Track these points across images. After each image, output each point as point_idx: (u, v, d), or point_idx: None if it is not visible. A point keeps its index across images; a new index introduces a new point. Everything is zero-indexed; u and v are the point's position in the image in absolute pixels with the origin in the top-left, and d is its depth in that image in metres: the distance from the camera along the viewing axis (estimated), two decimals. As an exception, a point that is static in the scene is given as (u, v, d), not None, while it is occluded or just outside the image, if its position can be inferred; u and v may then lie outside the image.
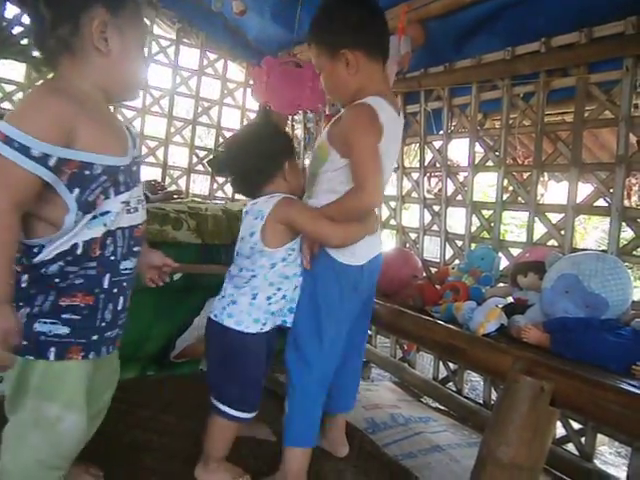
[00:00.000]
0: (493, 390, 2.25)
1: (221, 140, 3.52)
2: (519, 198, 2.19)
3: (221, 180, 3.55)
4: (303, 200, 1.50)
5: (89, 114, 0.96)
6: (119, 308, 1.10)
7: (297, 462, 1.46)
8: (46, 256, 0.96)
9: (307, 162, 3.61)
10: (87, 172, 0.95)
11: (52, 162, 0.90)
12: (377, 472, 1.66)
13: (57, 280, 0.98)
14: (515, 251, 2.18)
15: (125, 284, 1.10)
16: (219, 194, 3.57)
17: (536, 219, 2.10)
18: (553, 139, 2.05)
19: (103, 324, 1.06)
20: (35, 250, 0.96)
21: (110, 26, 0.98)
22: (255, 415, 1.49)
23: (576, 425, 1.93)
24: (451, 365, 2.49)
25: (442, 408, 2.40)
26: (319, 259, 1.41)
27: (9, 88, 2.88)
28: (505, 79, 2.15)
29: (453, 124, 2.51)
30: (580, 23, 1.85)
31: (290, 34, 2.67)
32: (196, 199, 3.14)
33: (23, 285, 0.97)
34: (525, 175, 2.23)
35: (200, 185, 3.67)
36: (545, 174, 2.60)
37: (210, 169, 3.46)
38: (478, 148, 2.37)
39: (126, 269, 1.08)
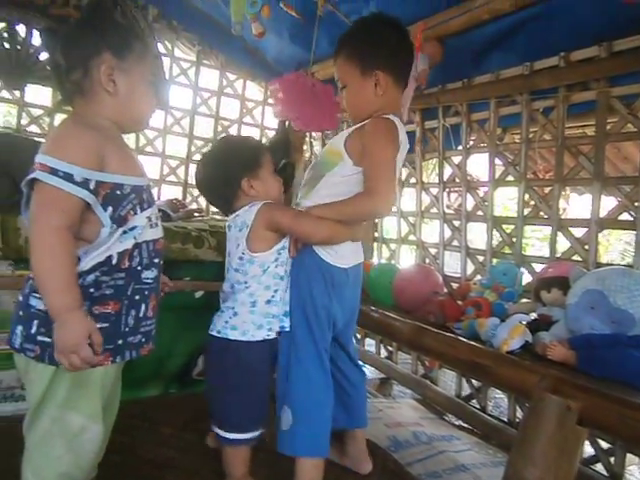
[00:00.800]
0: (518, 408, 2.21)
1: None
2: (541, 212, 2.17)
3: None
4: (298, 201, 1.52)
5: (113, 142, 1.09)
6: (140, 315, 1.16)
7: (309, 474, 1.43)
8: (84, 267, 1.04)
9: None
10: (118, 192, 1.06)
11: (92, 185, 1.01)
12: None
13: (92, 290, 1.06)
14: (538, 266, 2.15)
15: (146, 292, 1.16)
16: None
17: (559, 233, 2.07)
18: (574, 153, 2.03)
19: (127, 329, 1.12)
20: None
21: (117, 69, 1.09)
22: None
23: (605, 445, 1.88)
24: (474, 382, 2.45)
25: (466, 426, 2.36)
26: (306, 258, 1.43)
27: (36, 112, 2.97)
28: (524, 94, 2.15)
29: (472, 139, 2.51)
30: (599, 37, 1.84)
31: (307, 54, 2.72)
32: (216, 217, 3.18)
33: None
34: (547, 189, 2.21)
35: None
36: (567, 188, 2.57)
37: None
38: (498, 162, 2.36)
39: (147, 278, 1.16)
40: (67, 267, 0.98)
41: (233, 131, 3.56)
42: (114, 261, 1.07)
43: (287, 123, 3.30)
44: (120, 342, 1.11)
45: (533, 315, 1.83)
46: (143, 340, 1.17)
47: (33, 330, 1.03)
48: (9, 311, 1.66)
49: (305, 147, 3.61)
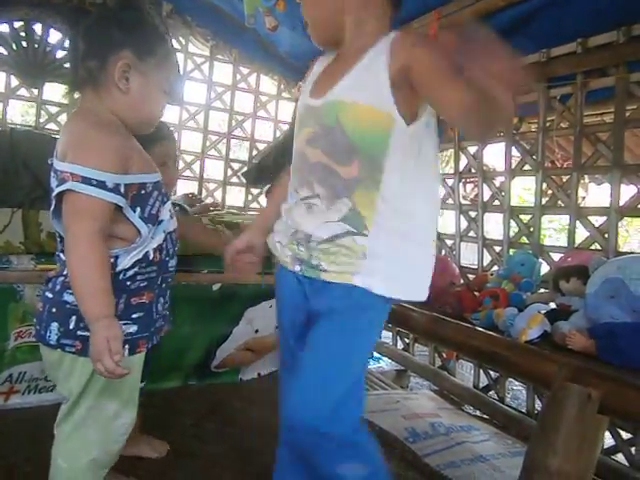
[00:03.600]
0: (537, 399, 2.20)
1: (254, 152, 3.59)
2: (559, 202, 2.14)
3: (255, 192, 3.60)
4: (317, 235, 1.06)
5: (129, 142, 1.10)
6: (165, 300, 1.23)
7: None
8: (125, 265, 1.08)
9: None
10: (143, 191, 1.09)
11: (122, 189, 1.03)
12: (419, 482, 1.64)
13: (129, 283, 1.10)
14: (556, 256, 2.13)
15: (169, 280, 1.23)
16: (254, 205, 3.62)
17: (577, 223, 2.05)
18: (593, 141, 2.00)
19: (157, 316, 1.18)
20: (112, 260, 1.07)
21: (133, 69, 1.08)
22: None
23: (625, 435, 1.86)
24: (492, 373, 2.44)
25: (484, 416, 2.35)
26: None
27: (53, 110, 3.02)
28: (541, 82, 2.12)
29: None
30: (617, 22, 1.81)
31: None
32: (232, 211, 3.20)
33: None
34: (565, 178, 2.18)
35: (235, 197, 3.73)
36: (585, 177, 2.53)
37: (245, 181, 3.52)
38: (514, 152, 2.33)
39: (172, 266, 1.22)
40: (102, 274, 1.00)
41: (247, 125, 3.57)
42: (150, 257, 1.12)
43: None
44: (152, 329, 1.16)
45: (552, 305, 1.82)
46: (163, 323, 1.23)
47: (72, 326, 1.05)
48: (32, 305, 1.71)
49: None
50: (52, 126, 3.00)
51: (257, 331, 2.23)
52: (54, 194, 1.03)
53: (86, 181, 0.98)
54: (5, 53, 2.77)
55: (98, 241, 1.00)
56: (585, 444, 1.23)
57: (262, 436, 1.79)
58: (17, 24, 2.79)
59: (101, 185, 0.99)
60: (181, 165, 3.37)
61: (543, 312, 1.68)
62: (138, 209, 1.08)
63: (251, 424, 1.89)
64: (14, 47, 2.79)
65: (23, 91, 2.93)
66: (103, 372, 0.96)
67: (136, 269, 1.09)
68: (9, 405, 1.80)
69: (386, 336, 3.19)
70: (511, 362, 1.52)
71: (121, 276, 1.08)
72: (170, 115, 3.30)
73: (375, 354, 3.28)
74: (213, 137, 3.47)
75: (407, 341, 2.97)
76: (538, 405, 2.19)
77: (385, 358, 3.20)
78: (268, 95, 3.63)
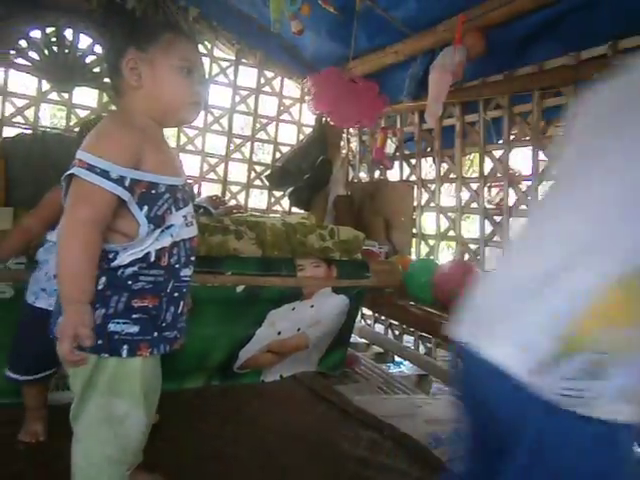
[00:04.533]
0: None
1: (278, 155, 3.61)
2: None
3: (278, 194, 3.63)
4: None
5: (150, 141, 1.09)
6: (178, 312, 1.19)
7: None
8: (122, 261, 1.07)
9: (362, 175, 3.64)
10: (153, 191, 1.08)
11: (127, 183, 1.03)
12: (442, 488, 1.62)
13: (130, 282, 1.08)
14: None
15: (184, 290, 1.19)
16: (276, 208, 3.64)
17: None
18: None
19: (164, 324, 1.15)
20: (111, 256, 1.07)
21: (140, 61, 1.09)
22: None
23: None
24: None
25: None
26: None
27: (82, 113, 3.08)
28: (570, 85, 2.09)
29: (513, 132, 2.46)
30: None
31: (345, 50, 2.72)
32: (255, 213, 3.23)
33: (100, 287, 1.06)
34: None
35: (257, 199, 3.77)
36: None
37: (268, 184, 3.54)
38: (541, 156, 2.30)
39: (185, 276, 1.19)
40: (84, 260, 1.01)
41: (271, 128, 3.60)
42: (152, 258, 1.09)
43: (323, 119, 3.32)
44: (156, 335, 1.13)
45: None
46: (178, 335, 1.20)
47: None
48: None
49: (342, 143, 3.62)
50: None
51: (279, 333, 2.23)
52: (62, 178, 1.05)
53: (90, 168, 0.99)
54: (37, 58, 2.85)
55: (90, 228, 1.00)
56: None
57: (284, 438, 1.80)
58: (48, 30, 2.87)
59: (104, 174, 1.00)
60: (205, 167, 3.42)
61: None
62: (145, 207, 1.07)
63: (273, 426, 1.89)
64: (46, 52, 2.87)
65: (54, 95, 3.00)
66: (60, 355, 0.98)
67: (135, 268, 1.08)
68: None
69: (408, 340, 3.18)
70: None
71: (119, 272, 1.07)
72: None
73: (396, 358, 3.27)
74: (237, 140, 3.51)
75: (429, 345, 2.95)
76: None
77: (407, 362, 3.18)
78: (292, 99, 3.66)
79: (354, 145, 3.68)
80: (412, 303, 2.15)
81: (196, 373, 2.15)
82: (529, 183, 2.36)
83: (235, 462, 1.63)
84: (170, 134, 3.34)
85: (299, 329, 2.27)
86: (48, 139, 2.00)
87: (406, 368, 3.22)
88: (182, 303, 1.20)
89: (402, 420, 2.11)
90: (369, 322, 3.48)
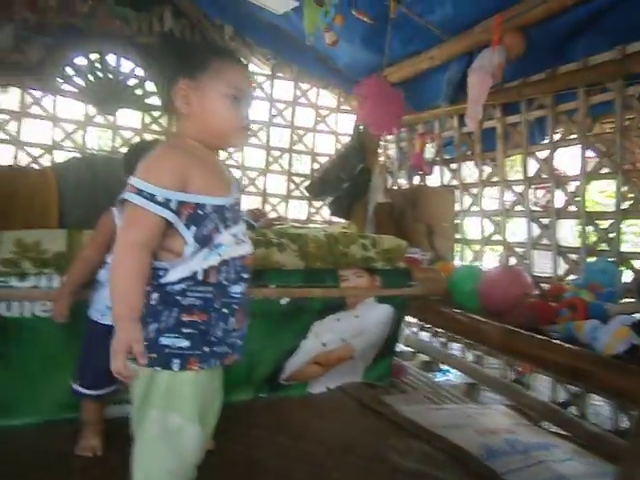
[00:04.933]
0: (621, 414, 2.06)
1: (316, 165, 3.63)
2: (640, 206, 2.01)
3: (318, 204, 3.64)
4: None
5: (199, 163, 1.13)
6: (228, 327, 1.19)
7: None
8: (171, 279, 1.11)
9: (401, 182, 3.61)
10: (200, 212, 1.11)
11: (173, 205, 1.07)
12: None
13: (179, 298, 1.11)
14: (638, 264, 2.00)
15: (234, 306, 1.19)
16: (316, 218, 3.66)
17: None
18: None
19: (214, 339, 1.16)
20: (161, 273, 1.11)
21: (190, 89, 1.13)
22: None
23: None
24: (571, 387, 2.31)
25: (563, 434, 2.22)
26: None
27: (127, 134, 3.19)
28: (617, 80, 2.01)
29: (558, 132, 2.38)
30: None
31: (379, 58, 2.72)
32: (295, 224, 3.25)
33: (152, 303, 1.11)
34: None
35: (297, 210, 3.80)
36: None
37: (308, 194, 3.56)
38: (588, 155, 2.22)
39: (236, 292, 1.19)
40: (134, 280, 1.06)
41: (308, 139, 3.62)
42: (199, 277, 1.12)
43: (361, 128, 3.31)
44: (207, 350, 1.14)
45: (638, 316, 1.70)
46: (229, 351, 1.21)
47: None
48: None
49: (380, 151, 3.60)
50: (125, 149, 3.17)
51: (325, 344, 2.23)
52: (116, 203, 1.11)
53: (139, 192, 1.05)
54: (82, 84, 2.97)
55: (139, 250, 1.05)
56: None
57: (333, 452, 1.79)
58: (92, 56, 2.99)
59: (151, 198, 1.05)
60: (245, 181, 3.47)
61: (629, 324, 1.58)
62: (193, 227, 1.10)
63: (321, 439, 1.88)
64: (90, 78, 2.99)
65: (99, 118, 3.12)
66: (114, 370, 1.03)
67: (183, 285, 1.11)
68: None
69: (454, 348, 3.11)
70: (596, 378, 1.44)
71: (168, 288, 1.10)
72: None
73: (443, 366, 3.20)
74: (275, 153, 3.55)
75: (477, 353, 2.88)
76: (624, 422, 2.05)
77: (454, 371, 3.11)
78: (328, 109, 3.68)
79: (392, 152, 3.66)
80: (458, 311, 2.11)
81: (244, 386, 2.17)
82: (577, 183, 2.28)
83: (283, 474, 1.63)
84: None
85: (344, 340, 2.26)
86: (97, 161, 2.09)
87: (454, 376, 3.15)
88: (232, 319, 1.20)
89: (452, 431, 2.06)
90: (414, 330, 3.43)
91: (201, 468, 1.35)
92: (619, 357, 1.47)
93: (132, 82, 3.08)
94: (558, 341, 1.64)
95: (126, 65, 3.08)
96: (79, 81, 2.98)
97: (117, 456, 1.24)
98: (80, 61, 2.99)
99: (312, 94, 3.60)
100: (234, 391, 2.15)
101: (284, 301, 2.12)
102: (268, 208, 3.52)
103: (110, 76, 3.03)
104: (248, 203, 3.60)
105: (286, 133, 3.63)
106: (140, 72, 3.07)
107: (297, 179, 3.64)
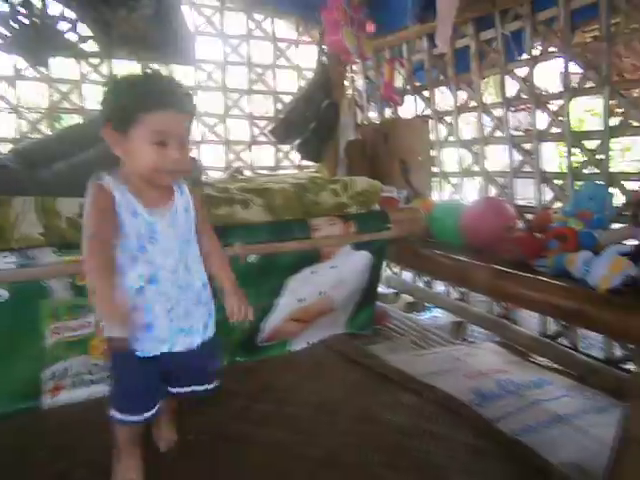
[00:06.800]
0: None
1: (280, 106, 3.36)
2: (630, 121, 1.84)
3: (285, 148, 3.41)
4: None
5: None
6: None
7: None
8: None
9: (371, 115, 3.38)
10: None
11: None
12: (495, 453, 1.49)
13: None
14: (631, 185, 1.85)
15: None
16: (285, 164, 3.44)
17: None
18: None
19: None
20: None
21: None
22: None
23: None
24: (562, 319, 2.23)
25: (557, 367, 2.15)
26: None
27: (64, 87, 2.88)
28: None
29: (538, 45, 2.16)
30: None
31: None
32: (262, 172, 3.04)
33: None
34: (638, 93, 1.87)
35: (264, 156, 3.55)
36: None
37: (273, 138, 3.31)
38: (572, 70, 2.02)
39: None
40: None
41: (269, 78, 3.34)
42: None
43: (324, 60, 3.03)
44: None
45: (632, 242, 1.57)
46: None
47: None
48: (63, 300, 1.63)
49: (347, 84, 3.34)
50: (67, 104, 2.86)
51: (302, 300, 2.09)
52: None
53: None
54: (5, 33, 2.62)
55: None
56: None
57: (319, 415, 1.68)
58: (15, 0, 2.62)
59: None
60: (204, 129, 3.21)
61: (624, 253, 1.45)
62: None
63: (306, 401, 1.77)
64: (14, 25, 2.63)
65: (30, 71, 2.79)
66: None
67: None
68: (59, 401, 1.75)
69: (439, 286, 3.00)
70: (593, 318, 1.31)
71: None
72: (186, 77, 3.11)
73: (427, 304, 3.12)
74: (234, 95, 3.26)
75: (462, 290, 2.77)
76: (617, 351, 1.97)
77: (440, 309, 3.02)
78: (287, 41, 3.36)
79: (360, 83, 3.39)
80: (438, 252, 1.96)
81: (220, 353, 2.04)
82: (560, 102, 2.08)
83: (270, 446, 1.51)
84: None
85: (322, 292, 2.13)
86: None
87: (440, 315, 3.07)
88: None
89: (442, 378, 1.97)
90: (397, 270, 3.31)
91: (180, 445, 1.30)
92: (616, 291, 1.34)
93: (63, 26, 2.73)
94: (547, 278, 1.50)
95: (54, 7, 2.72)
96: (1, 30, 2.63)
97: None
98: (0, 7, 2.62)
99: (268, 25, 3.27)
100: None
101: (252, 259, 1.96)
102: (232, 157, 3.28)
103: (37, 21, 2.68)
104: (210, 153, 3.36)
105: (244, 72, 3.31)
106: (71, 14, 2.72)
107: (261, 123, 3.38)
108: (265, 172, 3.13)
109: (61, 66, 2.91)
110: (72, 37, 2.76)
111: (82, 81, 2.85)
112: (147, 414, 1.24)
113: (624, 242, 1.61)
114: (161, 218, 1.17)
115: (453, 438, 1.58)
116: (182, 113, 1.13)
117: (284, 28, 3.37)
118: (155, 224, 1.16)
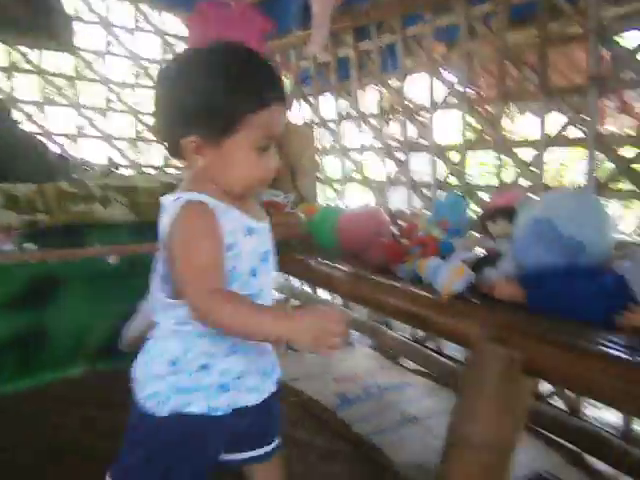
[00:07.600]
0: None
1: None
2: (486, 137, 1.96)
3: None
4: None
5: None
6: None
7: None
8: None
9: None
10: None
11: None
12: (346, 455, 1.51)
13: None
14: (487, 196, 1.97)
15: None
16: (173, 163, 3.31)
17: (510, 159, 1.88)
18: (518, 64, 1.80)
19: None
20: None
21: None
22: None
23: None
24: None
25: (422, 370, 2.23)
26: None
27: None
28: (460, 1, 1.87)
29: (411, 59, 2.24)
30: None
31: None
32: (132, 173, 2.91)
33: None
34: (494, 111, 1.99)
35: (153, 155, 3.41)
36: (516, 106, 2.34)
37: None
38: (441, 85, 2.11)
39: None
40: None
41: (153, 73, 3.20)
42: None
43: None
44: None
45: (480, 250, 1.67)
46: None
47: None
48: None
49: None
50: None
51: (168, 304, 2.01)
52: None
53: None
54: None
55: None
56: (508, 410, 1.09)
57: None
58: None
59: None
60: (85, 123, 3.02)
61: (469, 260, 1.52)
62: None
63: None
64: None
65: None
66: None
67: None
68: None
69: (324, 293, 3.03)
70: (432, 322, 1.36)
71: None
72: (63, 65, 2.91)
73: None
74: (116, 88, 3.09)
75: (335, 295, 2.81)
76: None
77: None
78: (176, 36, 3.25)
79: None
80: (313, 261, 1.96)
81: (74, 358, 1.91)
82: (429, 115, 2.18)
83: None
84: (35, 84, 2.89)
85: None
86: None
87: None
88: None
89: (310, 382, 1.99)
90: (286, 276, 3.30)
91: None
92: (460, 296, 1.40)
93: None
94: (400, 284, 1.54)
95: None
96: None
97: None
98: None
99: (156, 19, 3.15)
100: (63, 366, 1.89)
101: (112, 260, 1.85)
102: (116, 154, 3.10)
103: None
104: (91, 146, 3.16)
105: (128, 65, 3.16)
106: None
107: (149, 119, 3.23)
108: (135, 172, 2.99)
109: None
110: None
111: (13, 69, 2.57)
112: None
113: (475, 250, 1.69)
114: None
115: (311, 443, 1.58)
116: (285, 106, 0.91)
117: (174, 23, 3.25)
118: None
